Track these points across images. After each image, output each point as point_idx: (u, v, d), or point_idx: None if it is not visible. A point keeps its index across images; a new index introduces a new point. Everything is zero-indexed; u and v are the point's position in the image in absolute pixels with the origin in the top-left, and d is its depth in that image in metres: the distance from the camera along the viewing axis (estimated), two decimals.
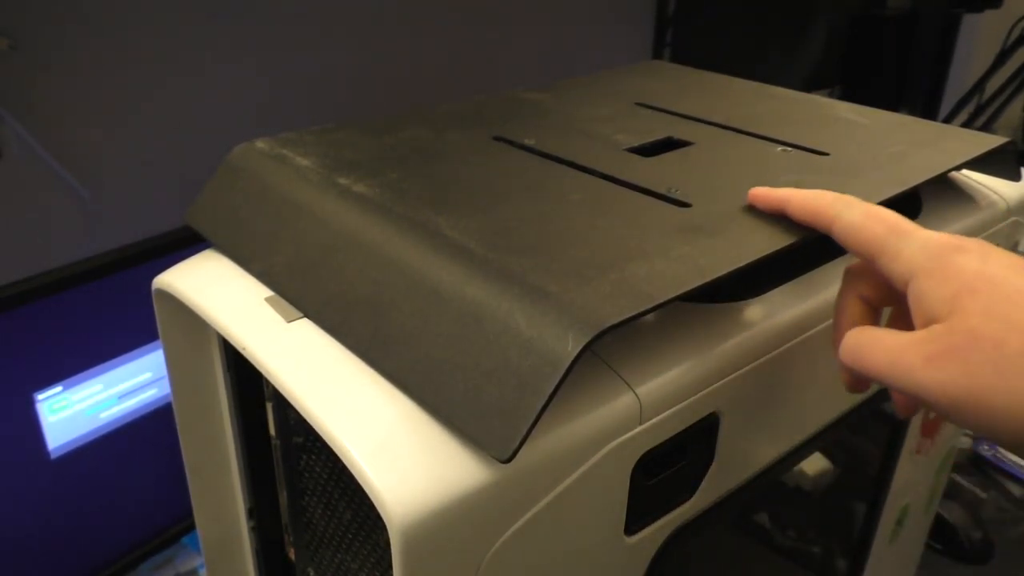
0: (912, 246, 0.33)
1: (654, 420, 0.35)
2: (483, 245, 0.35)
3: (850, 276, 0.38)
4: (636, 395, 0.35)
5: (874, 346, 0.33)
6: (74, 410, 0.64)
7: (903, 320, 0.34)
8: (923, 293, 0.32)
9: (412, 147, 0.47)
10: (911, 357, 0.31)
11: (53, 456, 0.64)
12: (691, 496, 0.40)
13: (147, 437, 0.70)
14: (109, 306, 0.64)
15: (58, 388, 0.63)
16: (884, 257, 0.34)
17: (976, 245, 0.32)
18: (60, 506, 0.66)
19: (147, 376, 0.68)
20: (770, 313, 0.41)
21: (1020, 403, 0.29)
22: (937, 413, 0.34)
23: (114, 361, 0.66)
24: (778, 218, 0.39)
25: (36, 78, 0.79)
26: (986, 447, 1.00)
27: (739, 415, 0.40)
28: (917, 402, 0.34)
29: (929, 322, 0.31)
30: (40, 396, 0.62)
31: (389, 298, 0.35)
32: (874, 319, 0.37)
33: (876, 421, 0.57)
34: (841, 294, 0.38)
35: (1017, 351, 0.29)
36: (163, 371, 0.69)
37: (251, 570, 0.51)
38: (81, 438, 0.65)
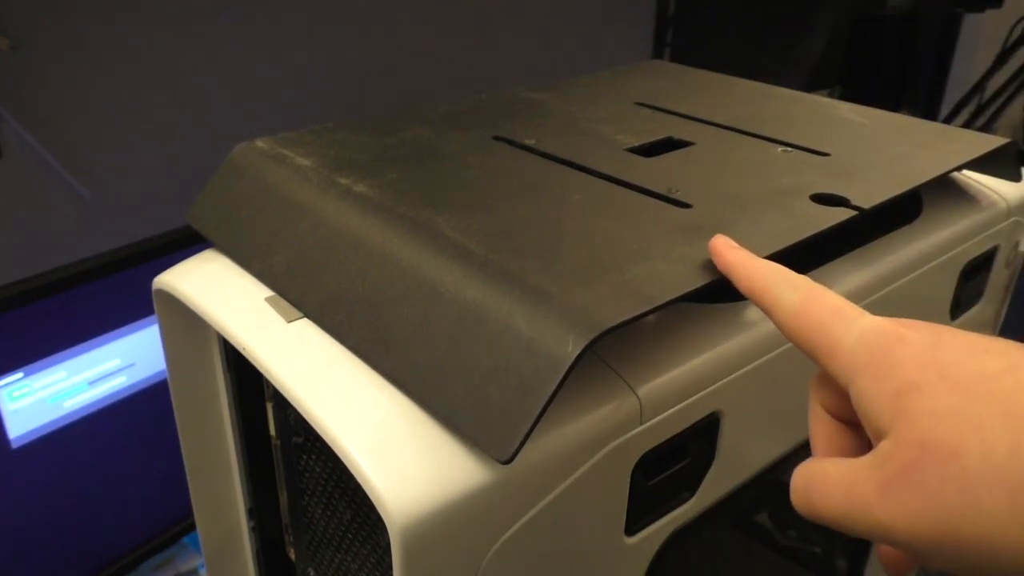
0: (848, 340, 0.27)
1: (654, 420, 0.35)
2: (483, 246, 0.35)
3: (813, 387, 0.31)
4: (636, 395, 0.34)
5: (824, 483, 0.26)
6: (36, 397, 0.63)
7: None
8: (863, 396, 0.26)
9: (412, 147, 0.47)
10: (864, 490, 0.25)
11: (15, 446, 0.62)
12: (692, 496, 0.40)
13: (125, 426, 0.69)
14: (74, 295, 0.63)
15: (19, 375, 0.62)
16: (822, 354, 0.28)
17: (924, 331, 0.26)
18: (34, 499, 0.65)
19: (115, 363, 0.67)
20: None
21: (994, 528, 0.22)
22: (912, 556, 0.28)
23: (79, 347, 0.65)
24: (778, 219, 0.39)
25: (36, 78, 0.79)
26: None
27: (740, 415, 0.40)
28: (903, 554, 0.28)
29: (877, 435, 0.25)
30: None
31: (389, 298, 0.35)
32: (848, 440, 0.30)
33: None
34: (809, 412, 0.31)
35: (978, 458, 0.23)
36: (132, 358, 0.68)
37: (251, 570, 0.51)
38: (45, 427, 0.64)
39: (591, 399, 0.34)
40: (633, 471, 0.36)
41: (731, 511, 0.43)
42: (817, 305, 0.29)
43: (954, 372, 0.24)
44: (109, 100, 0.85)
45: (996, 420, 0.23)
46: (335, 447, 0.31)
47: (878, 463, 0.25)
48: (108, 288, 0.64)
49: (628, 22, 1.37)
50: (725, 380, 0.38)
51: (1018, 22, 1.42)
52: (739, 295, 0.40)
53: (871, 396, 0.26)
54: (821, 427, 0.30)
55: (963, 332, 0.26)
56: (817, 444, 0.30)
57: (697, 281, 0.33)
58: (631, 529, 0.37)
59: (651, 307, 0.32)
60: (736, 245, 0.34)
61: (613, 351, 0.36)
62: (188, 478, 0.47)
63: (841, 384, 0.27)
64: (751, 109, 0.55)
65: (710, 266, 0.34)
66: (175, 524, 0.76)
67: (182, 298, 0.41)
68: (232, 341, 0.37)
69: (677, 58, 1.41)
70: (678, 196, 0.41)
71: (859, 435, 0.29)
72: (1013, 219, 0.54)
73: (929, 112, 1.52)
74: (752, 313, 0.40)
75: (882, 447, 0.25)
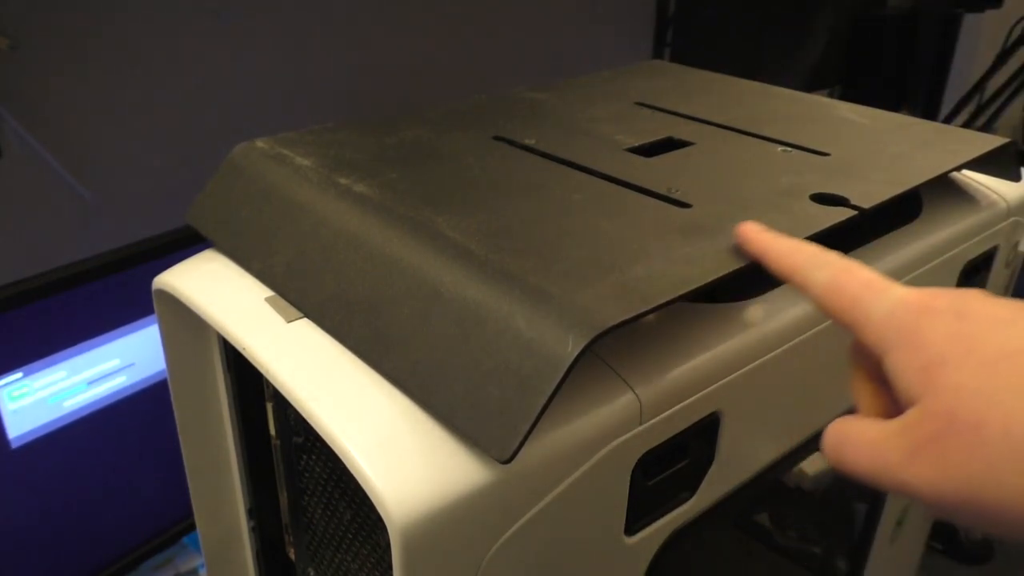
0: (878, 313, 0.29)
1: (654, 420, 0.35)
2: (483, 245, 0.35)
3: (852, 353, 0.32)
4: (636, 395, 0.34)
5: (856, 442, 0.28)
6: (36, 397, 0.63)
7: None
8: (896, 369, 0.28)
9: (412, 147, 0.47)
10: (892, 453, 0.27)
11: (14, 446, 0.62)
12: (691, 496, 0.40)
13: (125, 426, 0.69)
14: (74, 295, 0.63)
15: (18, 375, 0.62)
16: (855, 328, 0.30)
17: (950, 301, 0.28)
18: (34, 499, 0.65)
19: (115, 363, 0.67)
20: (770, 313, 0.41)
21: (1015, 500, 0.24)
22: (934, 514, 0.29)
23: (78, 347, 0.65)
24: (778, 219, 0.39)
25: (36, 78, 0.79)
26: None
27: (739, 415, 0.40)
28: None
29: (908, 403, 0.27)
30: None
31: (389, 298, 0.35)
32: (887, 399, 0.31)
33: None
34: (852, 374, 0.32)
35: (1000, 434, 0.24)
36: (132, 358, 0.68)
37: (251, 570, 0.51)
38: (45, 427, 0.64)
39: (591, 399, 0.34)
40: (633, 471, 0.36)
41: (731, 511, 0.43)
42: (847, 280, 0.30)
43: (980, 347, 0.26)
44: (109, 100, 0.85)
45: (1017, 398, 0.24)
46: (335, 447, 0.31)
47: (907, 429, 0.27)
48: (108, 288, 0.64)
49: (628, 22, 1.37)
50: (725, 380, 0.38)
51: (1018, 22, 1.42)
52: (739, 295, 0.41)
53: (902, 368, 0.27)
54: (862, 389, 0.31)
55: (990, 299, 0.28)
56: (859, 403, 0.32)
57: (697, 281, 0.33)
58: (631, 529, 0.37)
59: (651, 307, 0.32)
60: (765, 228, 0.35)
61: (613, 351, 0.36)
62: (188, 478, 0.47)
63: (875, 354, 0.29)
64: (751, 109, 0.55)
65: (710, 265, 0.34)
66: (175, 524, 0.76)
67: (182, 298, 0.41)
68: (232, 341, 0.37)
69: (677, 58, 1.41)
70: (678, 196, 0.41)
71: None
72: (1013, 219, 0.54)
73: (929, 112, 1.52)
74: (752, 313, 0.40)
75: (910, 414, 0.27)
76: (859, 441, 0.28)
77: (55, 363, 0.63)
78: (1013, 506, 0.24)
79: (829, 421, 0.47)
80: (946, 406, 0.26)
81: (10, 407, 0.61)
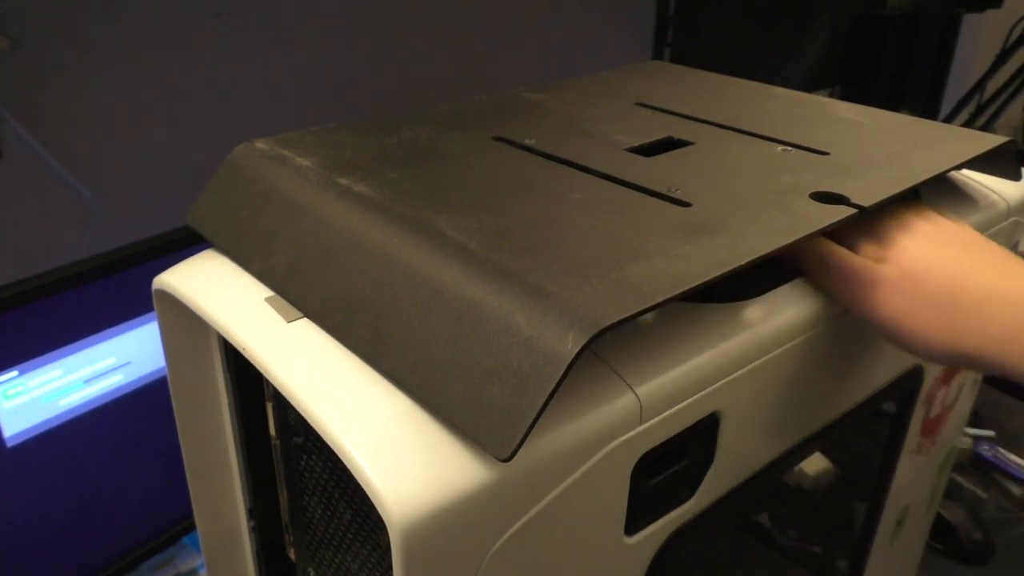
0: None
1: (654, 420, 0.35)
2: (483, 245, 0.35)
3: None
4: (636, 395, 0.34)
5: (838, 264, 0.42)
6: (31, 396, 0.63)
7: None
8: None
9: (412, 147, 0.47)
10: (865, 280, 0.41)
11: (10, 444, 0.62)
12: (691, 496, 0.40)
13: (122, 425, 0.69)
14: (74, 295, 0.63)
15: (13, 373, 0.62)
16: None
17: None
18: (32, 498, 0.65)
19: (111, 361, 0.67)
20: (770, 313, 0.41)
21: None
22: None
23: (74, 346, 0.64)
24: (778, 217, 0.39)
25: (36, 78, 0.79)
26: (986, 447, 1.00)
27: (739, 415, 0.40)
28: None
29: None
30: None
31: (389, 298, 0.35)
32: None
33: (876, 421, 0.57)
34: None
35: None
36: (128, 356, 0.68)
37: (251, 570, 0.51)
38: (40, 425, 0.64)
39: (591, 399, 0.34)
40: (633, 471, 0.36)
41: (731, 511, 0.43)
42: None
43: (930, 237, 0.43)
44: (109, 100, 0.85)
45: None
46: (335, 447, 0.31)
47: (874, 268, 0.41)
48: (108, 288, 0.64)
49: (628, 22, 1.37)
50: (725, 380, 0.38)
51: (1018, 22, 1.42)
52: (739, 295, 0.41)
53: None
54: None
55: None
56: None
57: (697, 279, 0.33)
58: (631, 529, 0.37)
59: (650, 304, 0.32)
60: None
61: (613, 351, 0.36)
62: (188, 478, 0.47)
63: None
64: (751, 109, 0.55)
65: (710, 264, 0.34)
66: (175, 524, 0.76)
67: (182, 298, 0.41)
68: (232, 341, 0.37)
69: (677, 58, 1.41)
70: (678, 195, 0.41)
71: None
72: (1013, 219, 0.54)
73: (929, 112, 1.52)
74: (752, 313, 0.40)
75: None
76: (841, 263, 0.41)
77: (50, 361, 0.63)
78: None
79: (829, 421, 0.47)
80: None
81: (5, 406, 0.61)
